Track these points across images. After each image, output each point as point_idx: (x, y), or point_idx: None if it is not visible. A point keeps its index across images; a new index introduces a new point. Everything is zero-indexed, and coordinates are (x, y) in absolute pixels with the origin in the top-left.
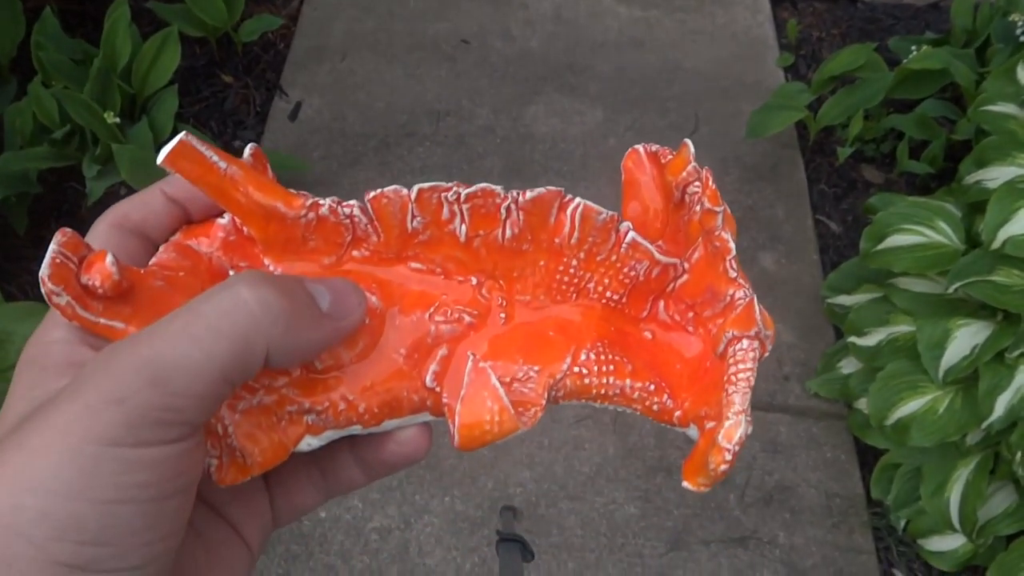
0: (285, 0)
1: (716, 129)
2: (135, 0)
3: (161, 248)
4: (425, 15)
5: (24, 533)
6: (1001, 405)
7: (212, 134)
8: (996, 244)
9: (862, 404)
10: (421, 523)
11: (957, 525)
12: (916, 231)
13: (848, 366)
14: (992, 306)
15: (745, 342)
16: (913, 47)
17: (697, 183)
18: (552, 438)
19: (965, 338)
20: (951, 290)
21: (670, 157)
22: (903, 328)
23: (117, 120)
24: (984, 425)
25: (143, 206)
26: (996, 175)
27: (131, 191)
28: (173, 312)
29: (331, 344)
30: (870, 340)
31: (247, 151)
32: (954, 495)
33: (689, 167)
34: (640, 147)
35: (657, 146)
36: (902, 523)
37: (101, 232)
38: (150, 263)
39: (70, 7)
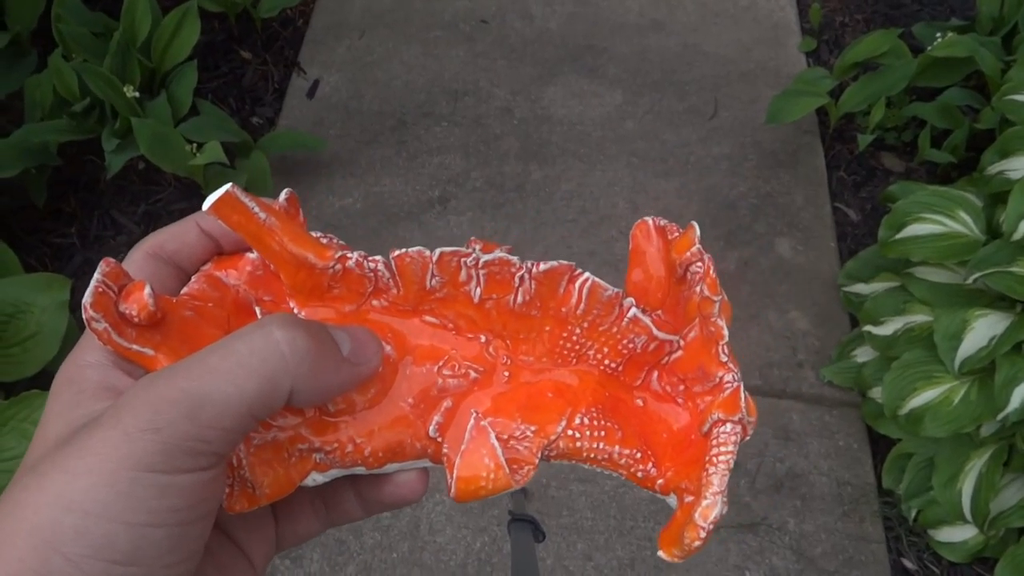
0: None
1: (736, 114)
2: None
3: (193, 279)
4: None
5: (61, 550)
6: (1017, 397)
7: (230, 110)
8: (1017, 235)
9: (876, 393)
10: (432, 501)
11: (969, 516)
12: (936, 220)
13: (863, 355)
14: (1011, 297)
15: (729, 426)
16: (938, 34)
17: (699, 264)
18: None
19: (983, 329)
20: (970, 281)
21: (677, 234)
22: (920, 318)
23: (136, 94)
24: (1000, 417)
25: (178, 238)
26: (1019, 165)
27: (149, 165)
28: (208, 347)
29: (348, 388)
30: (886, 329)
31: (283, 195)
32: (967, 486)
33: (694, 248)
34: (650, 220)
35: (665, 221)
36: (913, 513)
37: (138, 259)
38: (182, 292)
39: None
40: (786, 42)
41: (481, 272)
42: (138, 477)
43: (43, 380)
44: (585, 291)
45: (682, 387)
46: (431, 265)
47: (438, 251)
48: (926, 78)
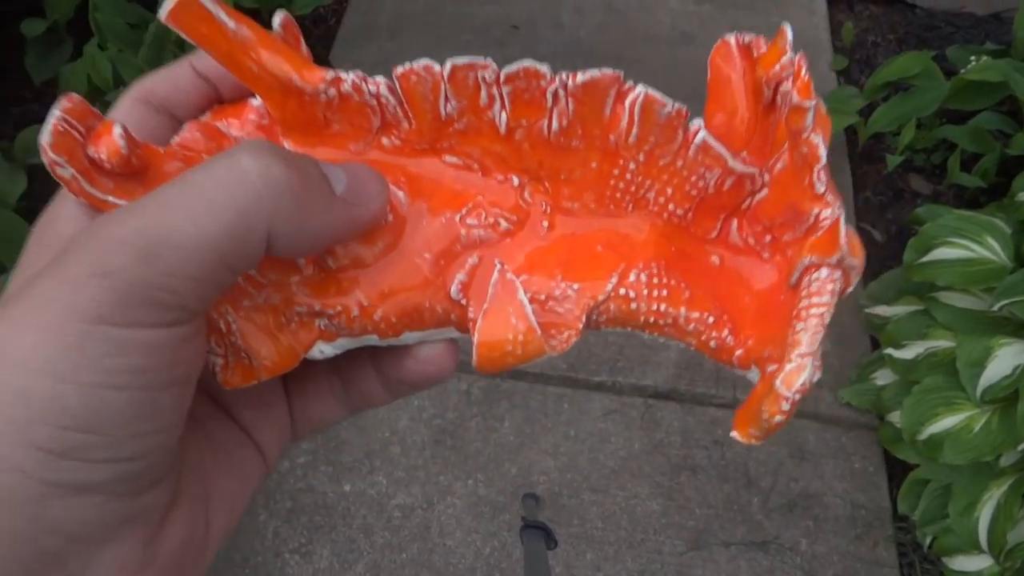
0: None
1: None
2: None
3: (184, 127)
4: None
5: (2, 412)
6: None
7: None
8: None
9: (895, 417)
10: (443, 504)
11: (985, 546)
12: (963, 245)
13: (883, 377)
14: None
15: (824, 271)
16: (972, 57)
17: (790, 78)
18: (578, 429)
19: (1007, 358)
20: (996, 308)
21: (764, 49)
22: (942, 343)
23: None
24: (1021, 447)
25: (170, 81)
26: None
27: None
28: (168, 183)
29: (344, 235)
30: (908, 353)
31: (276, 20)
32: (984, 515)
33: (784, 59)
34: (731, 37)
35: (751, 35)
36: (928, 540)
37: (124, 107)
38: (171, 141)
39: None
40: (817, 60)
41: (504, 90)
42: (88, 330)
43: None
44: (638, 109)
45: (768, 237)
46: (443, 84)
47: (449, 63)
48: (958, 101)
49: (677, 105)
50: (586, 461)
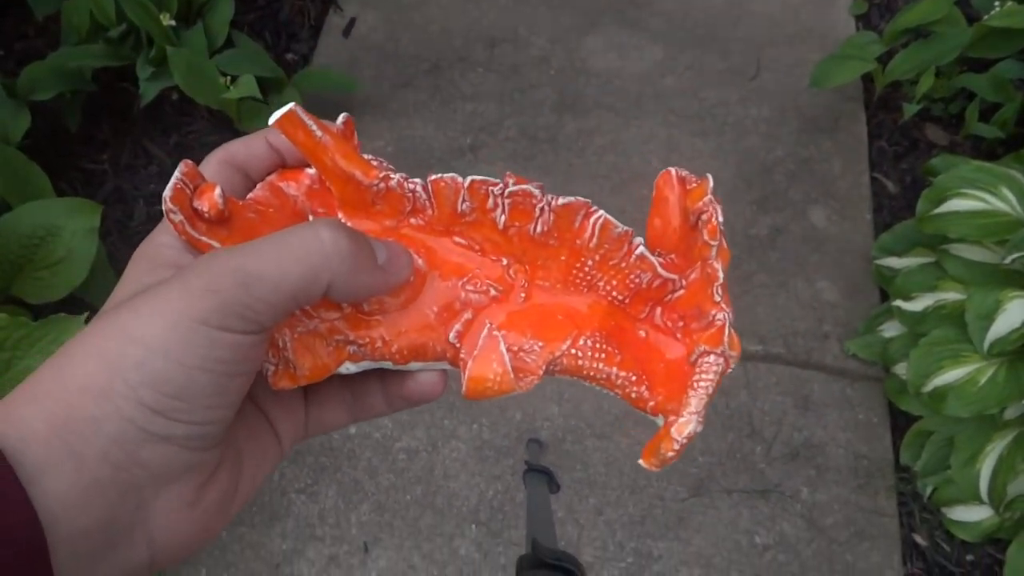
0: None
1: (778, 76)
2: None
3: (258, 186)
4: None
5: (123, 375)
6: None
7: (265, 44)
8: None
9: (901, 369)
10: (448, 448)
11: (985, 497)
12: (978, 196)
13: (890, 329)
14: None
15: (712, 357)
16: (996, 3)
17: (708, 212)
18: None
19: (1016, 311)
20: (1008, 261)
21: (695, 184)
22: (952, 295)
23: (172, 23)
24: None
25: (248, 148)
26: None
27: (182, 96)
28: (266, 236)
29: (380, 292)
30: (917, 305)
31: (340, 119)
32: (985, 467)
33: (705, 198)
34: (673, 170)
35: (686, 172)
36: (928, 490)
37: (212, 165)
38: (247, 196)
39: None
40: (836, 4)
41: (506, 201)
42: (195, 327)
43: (71, 305)
44: (598, 226)
45: (681, 323)
46: (463, 191)
47: (469, 179)
48: (980, 49)
49: (625, 228)
50: (590, 408)
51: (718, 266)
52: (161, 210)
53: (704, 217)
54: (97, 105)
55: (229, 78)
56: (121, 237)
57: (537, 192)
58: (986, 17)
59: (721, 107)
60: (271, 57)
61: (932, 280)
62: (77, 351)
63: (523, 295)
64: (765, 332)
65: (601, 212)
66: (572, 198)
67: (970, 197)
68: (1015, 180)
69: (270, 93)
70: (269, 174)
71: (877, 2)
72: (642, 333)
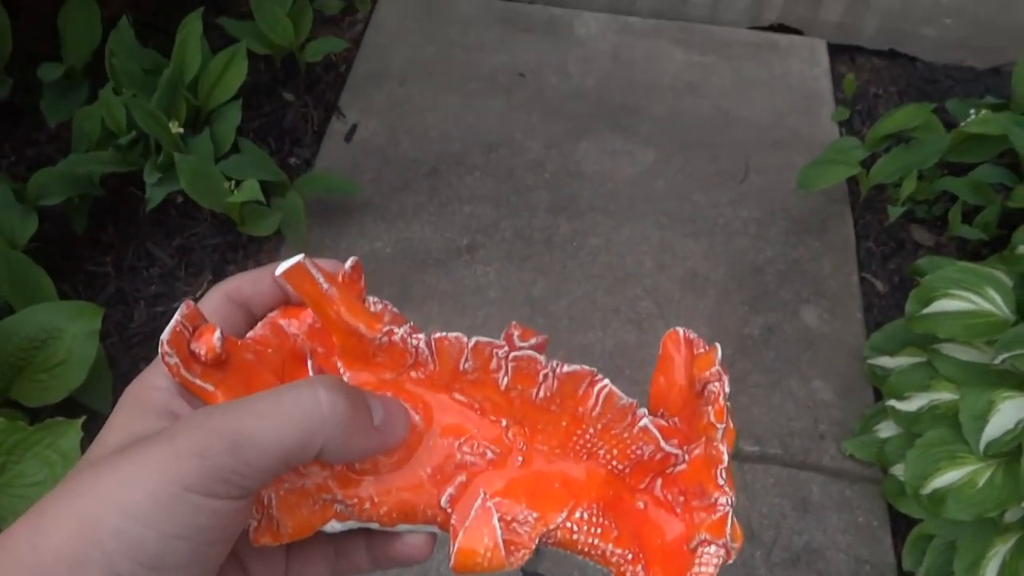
0: (350, 24)
1: (766, 179)
2: (206, 14)
3: (259, 324)
4: (484, 47)
5: (99, 543)
6: None
7: (270, 149)
8: None
9: (898, 470)
10: (443, 553)
11: None
12: (964, 297)
13: (886, 429)
14: None
15: (713, 548)
16: (972, 110)
17: (715, 384)
18: None
19: (1009, 411)
20: (998, 361)
21: (703, 350)
22: (945, 395)
23: (181, 130)
24: None
25: (254, 284)
26: None
27: (187, 199)
28: (262, 394)
29: (374, 453)
30: (910, 405)
31: (349, 263)
32: (989, 573)
33: (713, 368)
34: (681, 331)
35: (695, 335)
36: None
37: (215, 299)
38: (247, 335)
39: (145, 18)
40: (819, 111)
41: (510, 364)
42: (179, 494)
43: (68, 408)
44: (602, 397)
45: (682, 498)
46: (466, 350)
47: (474, 340)
48: (958, 153)
49: (630, 399)
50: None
51: (723, 448)
52: (160, 311)
53: (711, 388)
54: (103, 208)
55: (233, 182)
56: (121, 339)
57: (541, 359)
58: (963, 124)
59: (711, 209)
60: (275, 162)
61: (925, 380)
62: (54, 511)
63: (520, 459)
64: (761, 432)
65: (606, 382)
66: (577, 367)
67: (957, 298)
68: (1000, 281)
69: (274, 196)
70: (272, 310)
71: (859, 108)
72: (641, 504)
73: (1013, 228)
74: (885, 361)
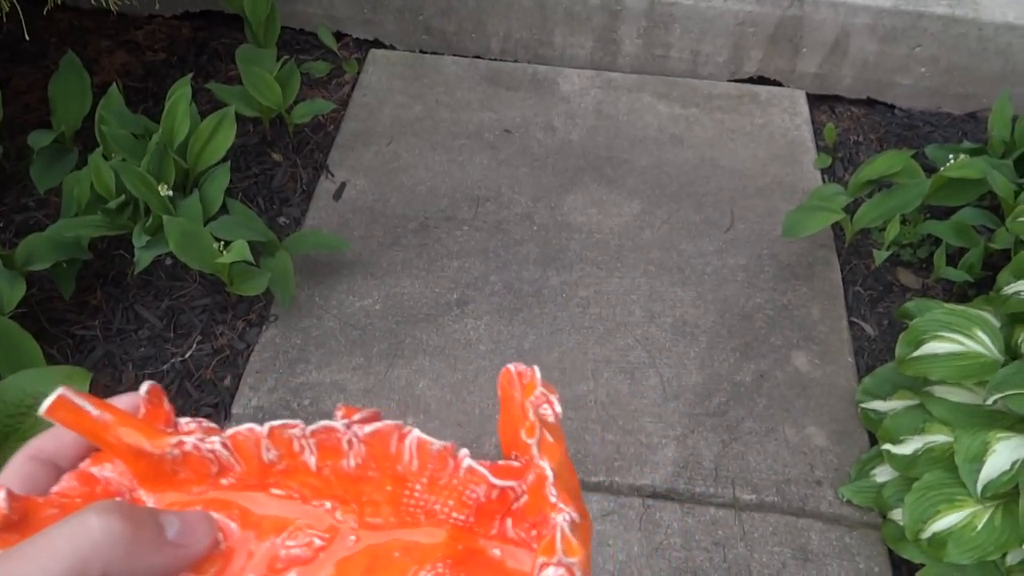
0: (337, 85)
1: (752, 226)
2: (196, 79)
3: (64, 476)
4: (470, 105)
5: None
6: None
7: (259, 209)
8: None
9: (897, 514)
10: None
11: None
12: (953, 339)
13: (883, 474)
14: None
15: (551, 569)
16: (950, 156)
17: (546, 407)
18: None
19: (1004, 452)
20: (990, 402)
21: (529, 379)
22: (940, 438)
23: (170, 193)
24: None
25: (56, 439)
26: None
27: (175, 260)
28: (33, 536)
29: (177, 569)
30: (906, 448)
31: (143, 387)
32: None
33: (536, 392)
34: (511, 367)
35: (524, 367)
36: None
37: (16, 463)
38: (51, 490)
39: (135, 84)
40: (801, 159)
41: (311, 441)
42: None
43: None
44: (414, 447)
45: (534, 532)
46: (263, 439)
47: (267, 426)
48: (940, 197)
49: (444, 443)
50: None
51: (544, 464)
52: (148, 373)
53: (544, 411)
54: (91, 272)
55: (222, 243)
56: None
57: (339, 426)
58: (942, 168)
59: (699, 257)
60: (264, 221)
61: (919, 422)
62: None
63: (353, 537)
64: (757, 480)
65: (415, 431)
66: (380, 423)
67: (946, 340)
68: (988, 322)
69: (263, 256)
70: (83, 460)
71: (840, 156)
72: (496, 552)
73: (997, 269)
74: (878, 405)
